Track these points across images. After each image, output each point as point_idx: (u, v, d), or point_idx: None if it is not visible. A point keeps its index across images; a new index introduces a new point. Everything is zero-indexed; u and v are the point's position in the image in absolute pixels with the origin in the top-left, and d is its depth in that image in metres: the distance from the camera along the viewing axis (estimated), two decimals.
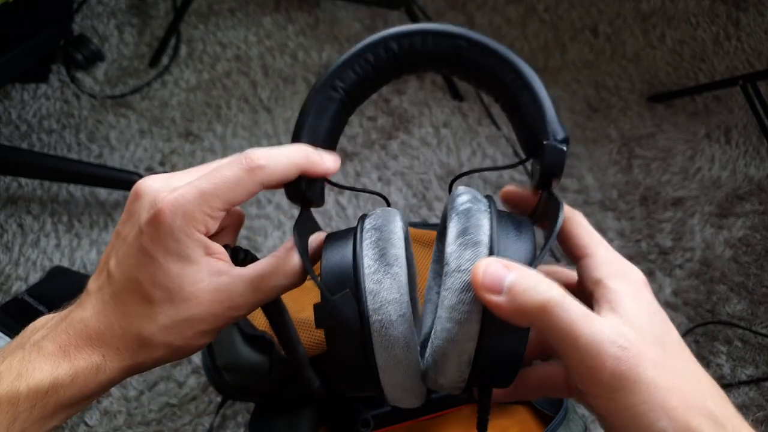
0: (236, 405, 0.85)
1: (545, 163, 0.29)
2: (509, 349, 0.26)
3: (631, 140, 1.10)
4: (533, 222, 0.29)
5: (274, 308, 0.34)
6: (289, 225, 1.00)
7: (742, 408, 0.88)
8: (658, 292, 0.97)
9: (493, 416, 0.48)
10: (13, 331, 0.82)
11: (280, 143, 1.12)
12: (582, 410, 0.88)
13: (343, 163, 1.06)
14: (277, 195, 1.03)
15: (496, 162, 1.07)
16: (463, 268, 0.26)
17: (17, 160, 0.96)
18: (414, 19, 1.07)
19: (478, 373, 0.27)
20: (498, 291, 0.24)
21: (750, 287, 0.97)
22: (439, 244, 0.36)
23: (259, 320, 0.54)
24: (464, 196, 0.29)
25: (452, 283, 0.26)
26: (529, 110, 0.30)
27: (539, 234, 0.29)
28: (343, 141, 1.07)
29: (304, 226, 0.31)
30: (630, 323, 0.25)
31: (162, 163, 1.06)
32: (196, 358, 0.88)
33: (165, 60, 1.15)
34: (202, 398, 0.86)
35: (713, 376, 0.93)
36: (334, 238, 0.30)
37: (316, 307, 0.27)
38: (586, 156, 1.08)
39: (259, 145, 1.08)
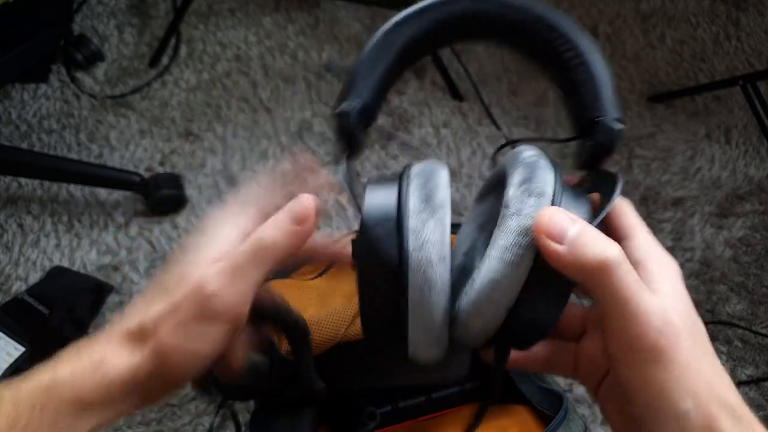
0: (236, 405, 0.85)
1: (598, 141, 0.28)
2: (548, 305, 0.26)
3: (631, 140, 1.10)
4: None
5: (297, 334, 0.34)
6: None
7: None
8: None
9: (492, 416, 0.48)
10: (13, 331, 0.82)
11: (280, 143, 1.12)
12: (582, 410, 0.88)
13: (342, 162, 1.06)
14: None
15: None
16: (524, 212, 0.25)
17: (17, 160, 0.96)
18: None
19: (512, 323, 0.26)
20: (560, 240, 0.24)
21: (750, 287, 0.97)
22: (492, 196, 0.35)
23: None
24: (530, 151, 0.28)
25: (509, 225, 0.25)
26: (586, 87, 0.29)
27: None
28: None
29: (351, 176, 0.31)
30: (670, 304, 0.25)
31: (162, 163, 1.07)
32: None
33: (165, 60, 1.15)
34: (202, 398, 0.86)
35: None
36: (377, 181, 0.29)
37: (354, 241, 0.27)
38: None
39: (258, 144, 1.08)
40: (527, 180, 0.26)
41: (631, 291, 0.24)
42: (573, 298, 0.28)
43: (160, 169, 1.06)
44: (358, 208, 0.28)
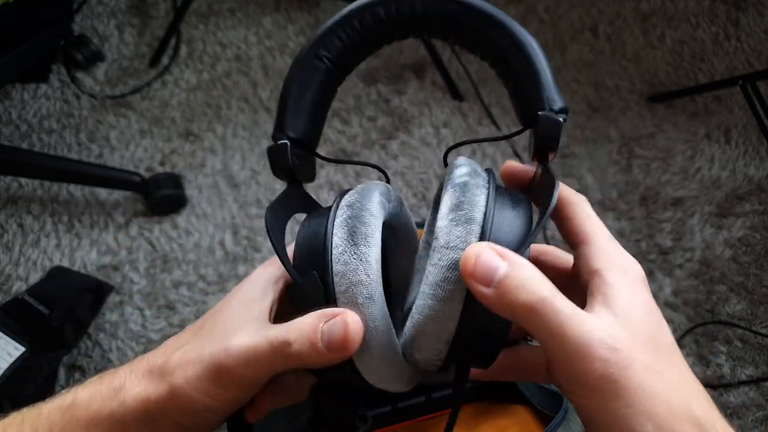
0: None
1: (539, 135, 0.27)
2: (491, 332, 0.25)
3: (631, 140, 1.10)
4: (530, 199, 0.28)
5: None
6: (289, 225, 1.00)
7: (742, 408, 0.88)
8: (658, 292, 0.97)
9: (492, 416, 0.48)
10: (13, 331, 0.82)
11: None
12: None
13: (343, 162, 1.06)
14: (277, 195, 1.03)
15: (496, 162, 1.07)
16: (451, 245, 0.24)
17: (17, 160, 0.96)
18: None
19: (457, 353, 0.26)
20: (488, 283, 0.23)
21: (750, 287, 0.97)
22: (433, 215, 0.34)
23: None
24: (463, 168, 0.27)
25: (439, 259, 0.25)
26: (525, 78, 0.28)
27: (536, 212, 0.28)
28: (342, 141, 1.08)
29: (286, 205, 0.30)
30: (623, 321, 0.24)
31: (162, 163, 1.07)
32: None
33: (165, 60, 1.15)
34: None
35: (713, 376, 0.94)
36: (311, 215, 0.29)
37: (289, 289, 0.26)
38: (586, 156, 1.08)
39: (259, 144, 1.08)
40: (456, 207, 0.25)
41: (566, 327, 0.23)
42: None
43: (160, 169, 1.06)
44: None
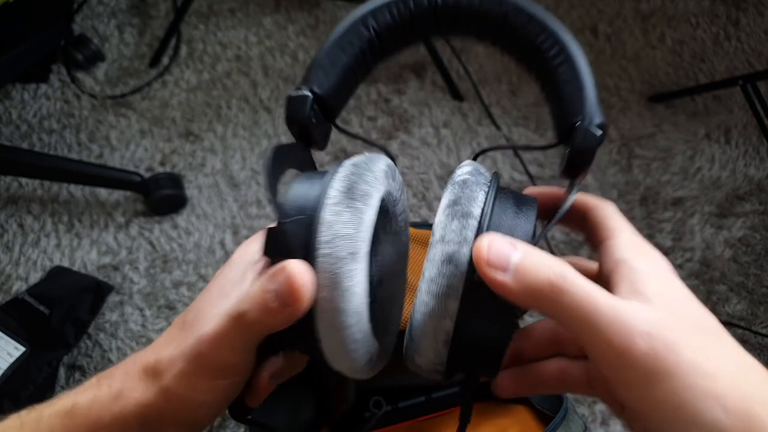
0: None
1: (574, 148, 0.26)
2: (492, 330, 0.24)
3: (631, 140, 1.10)
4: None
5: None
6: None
7: None
8: None
9: (492, 416, 0.48)
10: (13, 331, 0.82)
11: (280, 143, 1.11)
12: (582, 410, 0.89)
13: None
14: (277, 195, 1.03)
15: (496, 162, 1.07)
16: (447, 239, 0.24)
17: (17, 160, 0.96)
18: None
19: (457, 354, 0.24)
20: (504, 267, 0.22)
21: (750, 287, 0.97)
22: None
23: None
24: (465, 167, 0.27)
25: (434, 254, 0.24)
26: (567, 89, 0.27)
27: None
28: (342, 141, 1.08)
29: (290, 156, 0.28)
30: (658, 304, 0.21)
31: (162, 163, 1.07)
32: None
33: (165, 60, 1.15)
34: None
35: None
36: (309, 173, 0.27)
37: (267, 231, 0.24)
38: None
39: (259, 144, 1.08)
40: (454, 202, 0.25)
41: (596, 300, 0.21)
42: None
43: (160, 169, 1.06)
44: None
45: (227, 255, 0.99)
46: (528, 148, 0.33)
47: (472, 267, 0.23)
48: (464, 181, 0.25)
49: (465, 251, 0.23)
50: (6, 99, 1.11)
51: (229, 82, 1.14)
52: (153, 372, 0.27)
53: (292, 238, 0.23)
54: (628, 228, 0.25)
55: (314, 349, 0.25)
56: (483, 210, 0.24)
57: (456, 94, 1.13)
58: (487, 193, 0.25)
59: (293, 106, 0.28)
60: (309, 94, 0.28)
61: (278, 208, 0.24)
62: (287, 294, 0.22)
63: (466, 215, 0.24)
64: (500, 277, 0.22)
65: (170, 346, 0.27)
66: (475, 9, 0.28)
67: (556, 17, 0.28)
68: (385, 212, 0.31)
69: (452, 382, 0.53)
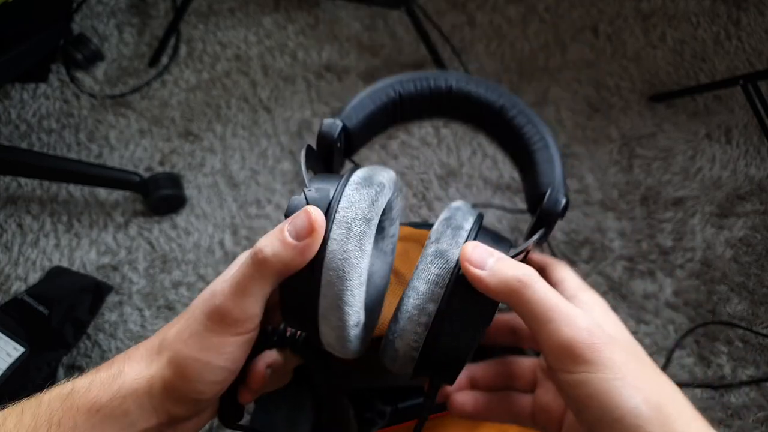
0: None
1: (543, 209, 0.32)
2: (468, 317, 0.27)
3: (631, 140, 1.10)
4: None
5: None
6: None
7: (743, 408, 0.88)
8: (658, 293, 0.97)
9: None
10: (13, 331, 0.82)
11: (279, 143, 1.12)
12: None
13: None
14: (276, 195, 1.03)
15: (496, 162, 1.07)
16: (441, 240, 0.29)
17: (17, 159, 0.96)
18: (414, 20, 1.06)
19: (434, 338, 0.28)
20: (482, 267, 0.26)
21: (751, 287, 0.97)
22: None
23: None
24: (460, 202, 0.33)
25: (429, 251, 0.28)
26: (542, 168, 0.33)
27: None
28: None
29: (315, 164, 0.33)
30: (599, 319, 0.27)
31: (162, 163, 1.06)
32: None
33: (165, 60, 1.15)
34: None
35: (714, 376, 0.94)
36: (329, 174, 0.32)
37: (292, 198, 0.29)
38: (587, 156, 1.08)
39: (258, 144, 1.08)
40: (449, 218, 0.30)
41: (553, 299, 0.25)
42: (524, 352, 0.30)
43: (159, 169, 1.06)
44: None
45: (227, 255, 0.99)
46: (504, 209, 0.41)
47: (458, 264, 0.27)
48: (458, 207, 0.32)
49: (455, 251, 0.28)
50: (5, 99, 1.11)
51: (228, 82, 1.14)
52: (158, 349, 0.28)
53: (315, 201, 0.27)
54: (576, 276, 0.31)
55: (311, 316, 0.28)
56: (472, 226, 0.30)
57: None
58: (475, 220, 0.31)
59: (327, 128, 0.33)
60: (340, 123, 0.34)
61: (306, 174, 0.29)
62: (303, 227, 0.26)
63: (458, 227, 0.29)
64: (478, 271, 0.26)
65: (176, 325, 0.28)
66: (481, 97, 0.36)
67: (536, 114, 0.36)
68: (381, 225, 0.35)
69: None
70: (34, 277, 0.96)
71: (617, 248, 1.01)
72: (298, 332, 0.34)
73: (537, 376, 0.33)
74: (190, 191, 1.04)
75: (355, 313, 0.28)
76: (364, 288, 0.28)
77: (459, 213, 0.31)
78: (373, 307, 0.33)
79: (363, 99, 0.35)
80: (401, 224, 0.60)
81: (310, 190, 0.28)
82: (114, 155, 1.07)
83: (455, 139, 1.09)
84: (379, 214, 0.29)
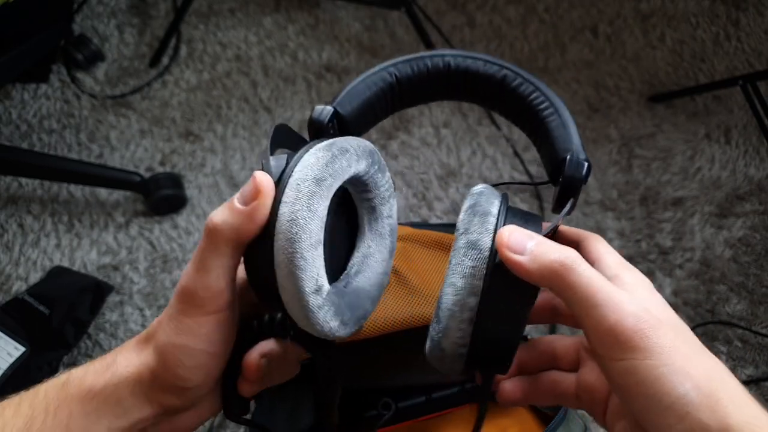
0: None
1: (566, 177, 0.30)
2: (511, 306, 0.27)
3: (631, 140, 1.10)
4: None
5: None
6: None
7: None
8: (658, 292, 0.97)
9: (492, 416, 0.48)
10: (13, 331, 0.82)
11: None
12: (582, 411, 0.89)
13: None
14: None
15: (496, 162, 1.07)
16: (471, 230, 0.27)
17: (17, 159, 0.96)
18: (414, 20, 1.07)
19: (481, 332, 0.27)
20: (521, 252, 0.25)
21: (750, 287, 0.97)
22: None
23: None
24: (480, 186, 0.31)
25: (459, 243, 0.27)
26: (556, 134, 0.32)
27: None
28: None
29: (288, 138, 0.32)
30: (645, 302, 0.25)
31: (162, 163, 1.07)
32: None
33: (165, 60, 1.15)
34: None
35: None
36: None
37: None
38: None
39: (259, 144, 1.08)
40: (473, 205, 0.29)
41: (598, 283, 0.24)
42: (566, 330, 0.29)
43: (160, 169, 1.06)
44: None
45: None
46: (530, 183, 0.37)
47: (493, 251, 0.26)
48: (481, 192, 0.30)
49: (487, 239, 0.27)
50: (6, 99, 1.11)
51: (229, 82, 1.14)
52: (146, 338, 0.28)
53: (270, 168, 0.27)
54: (614, 252, 0.29)
55: (272, 288, 0.27)
56: (499, 210, 0.28)
57: None
58: (501, 201, 0.29)
59: (318, 113, 0.32)
60: (331, 109, 0.33)
61: (269, 148, 0.29)
62: (250, 191, 0.26)
63: (485, 214, 0.28)
64: (517, 257, 0.25)
65: (161, 316, 0.29)
66: (480, 71, 0.34)
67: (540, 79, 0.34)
68: (371, 204, 0.34)
69: (451, 383, 0.53)
70: (35, 277, 0.96)
71: (616, 248, 1.00)
72: (279, 315, 0.33)
73: (580, 355, 0.31)
74: (190, 191, 1.04)
75: (310, 278, 0.26)
76: (319, 252, 0.27)
77: (483, 198, 0.29)
78: (359, 287, 0.33)
79: (357, 85, 0.34)
80: (401, 224, 0.60)
81: (267, 161, 0.27)
82: (115, 155, 1.07)
83: (455, 139, 1.09)
84: (339, 178, 0.28)
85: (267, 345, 0.32)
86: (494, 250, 0.26)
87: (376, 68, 0.34)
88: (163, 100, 1.12)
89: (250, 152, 1.08)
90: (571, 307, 0.25)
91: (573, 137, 0.31)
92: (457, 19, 1.20)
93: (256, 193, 0.26)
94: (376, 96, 0.34)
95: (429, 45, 1.09)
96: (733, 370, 0.91)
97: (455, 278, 0.27)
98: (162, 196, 0.99)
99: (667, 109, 1.13)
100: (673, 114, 1.12)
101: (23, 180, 1.04)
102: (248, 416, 0.34)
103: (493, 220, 0.28)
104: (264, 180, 0.26)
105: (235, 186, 1.05)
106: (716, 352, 0.92)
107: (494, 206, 0.28)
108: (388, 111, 0.36)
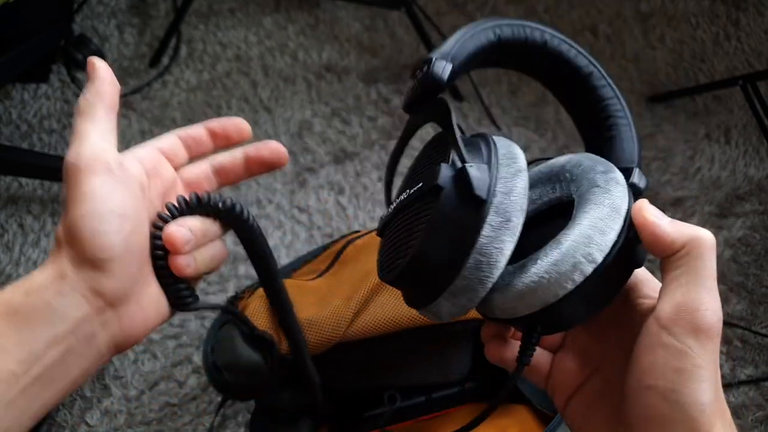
0: (237, 404, 0.85)
1: (631, 183, 0.31)
2: (622, 273, 0.28)
3: None
4: None
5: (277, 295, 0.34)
6: (289, 225, 1.00)
7: (742, 408, 0.88)
8: None
9: (492, 416, 0.48)
10: None
11: (280, 143, 1.12)
12: None
13: (342, 162, 1.06)
14: (277, 195, 1.03)
15: None
16: (614, 194, 0.28)
17: (18, 159, 0.96)
18: (414, 20, 1.06)
19: (587, 290, 0.26)
20: (660, 219, 0.27)
21: (749, 287, 0.97)
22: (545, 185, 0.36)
23: (260, 320, 0.54)
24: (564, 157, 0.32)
25: (603, 200, 0.27)
26: (627, 144, 0.33)
27: None
28: (342, 141, 1.08)
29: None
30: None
31: None
32: (197, 358, 0.88)
33: (165, 60, 1.15)
34: (203, 398, 0.86)
35: None
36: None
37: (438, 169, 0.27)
38: None
39: None
40: (607, 172, 0.29)
41: (711, 274, 0.26)
42: None
43: None
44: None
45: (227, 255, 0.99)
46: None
47: (628, 216, 0.27)
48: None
49: (624, 207, 0.27)
50: (6, 99, 1.11)
51: (229, 82, 1.14)
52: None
53: (479, 180, 0.27)
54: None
55: (438, 287, 0.28)
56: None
57: (456, 94, 1.13)
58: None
59: (439, 70, 0.31)
60: (450, 65, 0.31)
61: (459, 143, 0.28)
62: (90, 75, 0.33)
63: (623, 185, 0.29)
64: (660, 220, 0.26)
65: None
66: (571, 60, 0.36)
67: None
68: None
69: (451, 383, 0.53)
70: None
71: None
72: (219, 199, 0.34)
73: (565, 339, 0.32)
74: None
75: (482, 297, 0.27)
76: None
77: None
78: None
79: (465, 40, 0.33)
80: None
81: (471, 166, 0.27)
82: None
83: None
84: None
85: (188, 220, 0.32)
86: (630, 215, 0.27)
87: (479, 25, 0.34)
88: (163, 100, 1.12)
89: None
90: (679, 279, 0.26)
91: (639, 152, 0.32)
92: (457, 19, 1.20)
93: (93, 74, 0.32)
94: (479, 51, 0.33)
95: (429, 45, 1.09)
96: (733, 370, 0.91)
97: (591, 229, 0.26)
98: None
99: (666, 109, 1.13)
100: (672, 114, 1.12)
101: (23, 180, 1.04)
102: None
103: (623, 187, 0.28)
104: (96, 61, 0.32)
105: (235, 186, 1.05)
106: None
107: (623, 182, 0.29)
108: (478, 66, 0.35)
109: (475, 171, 0.26)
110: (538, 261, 0.27)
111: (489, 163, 0.27)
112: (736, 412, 0.88)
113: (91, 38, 1.14)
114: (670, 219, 0.27)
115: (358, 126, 1.10)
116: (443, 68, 0.30)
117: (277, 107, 1.12)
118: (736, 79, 0.99)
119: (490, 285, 0.26)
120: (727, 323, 0.94)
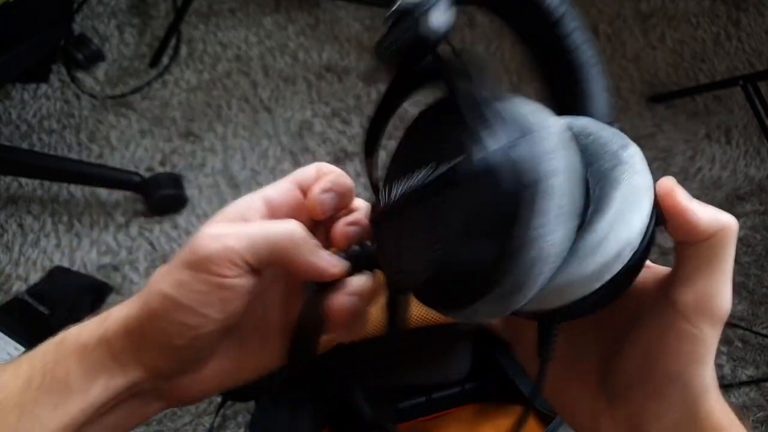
0: (237, 405, 0.85)
1: None
2: (641, 262, 0.25)
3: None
4: None
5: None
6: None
7: (743, 408, 0.88)
8: None
9: (492, 416, 0.48)
10: (13, 331, 0.82)
11: (280, 143, 1.12)
12: None
13: (342, 163, 1.06)
14: None
15: None
16: (639, 170, 0.26)
17: (17, 160, 0.96)
18: None
19: (617, 284, 0.24)
20: (689, 199, 0.25)
21: (750, 287, 0.97)
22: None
23: None
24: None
25: (632, 181, 0.25)
26: (598, 98, 0.31)
27: None
28: (342, 141, 1.08)
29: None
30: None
31: (162, 163, 1.07)
32: None
33: (165, 60, 1.15)
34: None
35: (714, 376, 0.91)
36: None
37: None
38: None
39: (259, 144, 1.08)
40: (626, 146, 0.28)
41: (732, 261, 0.25)
42: None
43: (160, 169, 1.06)
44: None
45: None
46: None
47: (654, 200, 0.25)
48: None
49: (650, 190, 0.25)
50: (6, 99, 1.11)
51: (229, 82, 1.14)
52: (145, 288, 0.27)
53: (522, 159, 0.22)
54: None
55: (481, 289, 0.23)
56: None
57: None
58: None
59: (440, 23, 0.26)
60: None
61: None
62: (303, 180, 0.32)
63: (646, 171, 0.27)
64: (689, 201, 0.25)
65: (168, 263, 0.27)
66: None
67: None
68: None
69: (451, 383, 0.52)
70: (34, 277, 0.96)
71: None
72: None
73: None
74: (190, 191, 1.04)
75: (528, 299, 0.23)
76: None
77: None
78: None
79: None
80: None
81: (514, 145, 0.22)
82: (115, 155, 1.07)
83: None
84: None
85: (356, 281, 0.29)
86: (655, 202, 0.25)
87: None
88: (163, 100, 1.12)
89: (251, 152, 1.08)
90: (702, 263, 0.25)
91: (609, 105, 0.30)
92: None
93: (306, 183, 0.31)
94: None
95: None
96: (734, 370, 0.91)
97: (632, 215, 0.24)
98: (162, 197, 0.99)
99: (667, 109, 1.13)
100: (673, 114, 1.12)
101: (23, 180, 1.04)
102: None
103: (648, 178, 0.26)
104: (313, 172, 0.31)
105: (235, 186, 1.05)
106: (716, 353, 0.92)
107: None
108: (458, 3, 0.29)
109: (523, 150, 0.22)
110: (579, 255, 0.23)
111: (528, 136, 0.22)
112: (737, 412, 0.88)
113: (91, 38, 1.14)
114: (698, 202, 0.25)
115: (358, 126, 1.10)
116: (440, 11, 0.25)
117: (278, 107, 1.12)
118: (737, 79, 0.99)
119: (540, 286, 0.22)
120: (728, 324, 0.94)
